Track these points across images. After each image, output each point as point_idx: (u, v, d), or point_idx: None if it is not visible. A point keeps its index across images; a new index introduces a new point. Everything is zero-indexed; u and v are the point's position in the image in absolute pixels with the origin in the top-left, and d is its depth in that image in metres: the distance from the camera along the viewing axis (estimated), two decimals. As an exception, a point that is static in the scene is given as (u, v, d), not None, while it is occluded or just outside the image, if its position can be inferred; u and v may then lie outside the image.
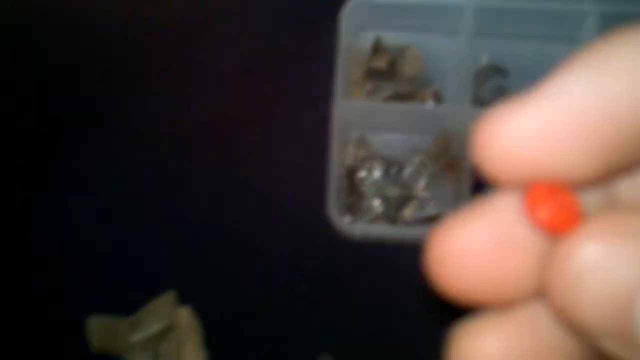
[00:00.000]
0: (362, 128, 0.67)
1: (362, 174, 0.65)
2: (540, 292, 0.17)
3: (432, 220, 0.63)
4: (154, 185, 0.69)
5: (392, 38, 0.69)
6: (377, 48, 0.69)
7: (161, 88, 0.72)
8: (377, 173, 0.65)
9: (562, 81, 0.16)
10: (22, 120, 0.72)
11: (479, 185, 0.61)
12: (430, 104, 0.66)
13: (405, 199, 0.63)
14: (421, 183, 0.64)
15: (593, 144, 0.16)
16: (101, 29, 0.74)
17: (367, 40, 0.69)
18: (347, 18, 0.65)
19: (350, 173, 0.65)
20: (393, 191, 0.64)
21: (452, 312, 0.56)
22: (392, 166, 0.65)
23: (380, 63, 0.68)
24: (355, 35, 0.69)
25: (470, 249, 0.18)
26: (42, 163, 0.71)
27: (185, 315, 0.65)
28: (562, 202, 0.17)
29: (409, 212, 0.63)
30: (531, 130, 0.17)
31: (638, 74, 0.15)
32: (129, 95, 0.72)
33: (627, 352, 0.15)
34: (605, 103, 0.16)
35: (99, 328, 0.65)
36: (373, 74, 0.67)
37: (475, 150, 0.18)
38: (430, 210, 0.63)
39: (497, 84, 0.67)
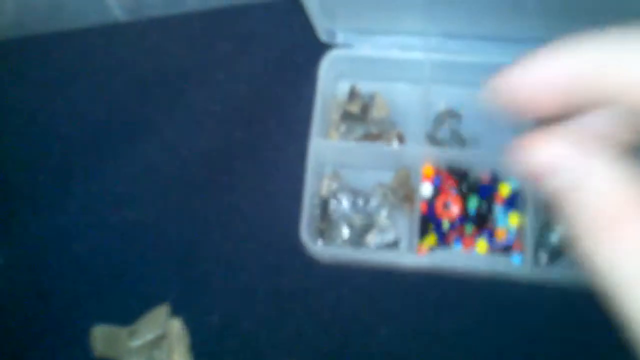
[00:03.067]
0: (335, 164, 0.76)
1: (333, 204, 0.73)
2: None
3: (391, 245, 0.71)
4: (154, 209, 0.78)
5: (364, 85, 0.79)
6: (352, 94, 0.78)
7: (165, 127, 0.82)
8: (346, 203, 0.73)
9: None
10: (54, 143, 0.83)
11: (428, 217, 0.70)
12: (394, 144, 0.74)
13: (368, 227, 0.72)
14: (383, 213, 0.72)
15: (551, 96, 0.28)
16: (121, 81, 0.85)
17: (343, 86, 0.79)
18: (325, 68, 0.75)
19: (324, 203, 0.73)
20: (359, 219, 0.72)
21: (406, 325, 0.65)
22: (359, 197, 0.73)
23: (355, 108, 0.77)
24: (332, 82, 0.78)
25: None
26: (62, 182, 0.81)
27: (176, 326, 0.74)
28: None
29: (371, 238, 0.71)
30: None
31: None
32: (140, 133, 0.82)
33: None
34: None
35: (102, 335, 0.74)
36: (348, 117, 0.77)
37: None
38: (390, 236, 0.72)
39: (451, 127, 0.75)
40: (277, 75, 0.82)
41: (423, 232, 0.69)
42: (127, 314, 0.74)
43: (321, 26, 0.75)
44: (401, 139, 0.75)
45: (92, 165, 0.81)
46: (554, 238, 0.69)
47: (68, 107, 0.84)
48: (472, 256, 0.69)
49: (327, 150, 0.74)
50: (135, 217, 0.78)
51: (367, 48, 0.76)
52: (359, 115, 0.77)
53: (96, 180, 0.80)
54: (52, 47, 0.86)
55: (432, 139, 0.74)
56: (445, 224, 0.70)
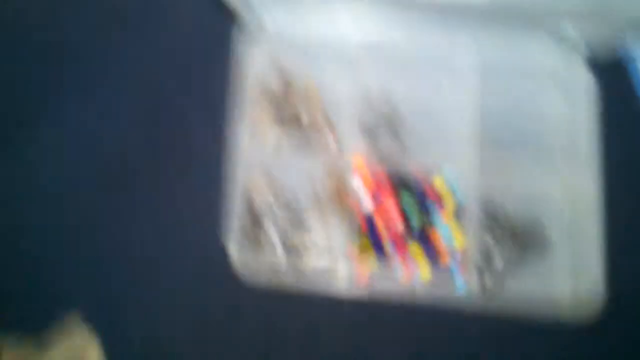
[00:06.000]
0: (265, 170, 0.69)
1: (265, 219, 0.67)
2: None
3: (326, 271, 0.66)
4: (57, 208, 0.69)
5: (294, 68, 0.70)
6: (277, 71, 0.70)
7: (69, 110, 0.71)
8: (278, 215, 0.67)
9: None
10: None
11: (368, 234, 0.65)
12: (329, 147, 0.68)
13: (301, 242, 0.67)
14: (318, 228, 0.67)
15: None
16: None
17: (274, 76, 0.70)
18: (250, 50, 0.66)
19: (254, 218, 0.67)
20: (293, 236, 0.67)
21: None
22: (292, 209, 0.67)
23: (278, 85, 0.69)
24: (259, 65, 0.68)
25: None
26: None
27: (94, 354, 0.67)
28: None
29: (306, 260, 0.66)
30: None
31: None
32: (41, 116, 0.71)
33: None
34: None
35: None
36: (272, 96, 0.69)
37: None
38: (324, 260, 0.66)
39: (385, 113, 0.69)
40: (196, 52, 0.72)
41: (361, 249, 0.65)
42: (34, 320, 0.67)
43: (247, 5, 0.65)
44: (337, 140, 0.68)
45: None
46: (499, 260, 0.66)
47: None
48: (413, 281, 0.65)
49: (256, 156, 0.67)
50: (48, 213, 0.69)
51: (296, 28, 0.68)
52: (282, 93, 0.69)
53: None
54: None
55: (365, 128, 0.68)
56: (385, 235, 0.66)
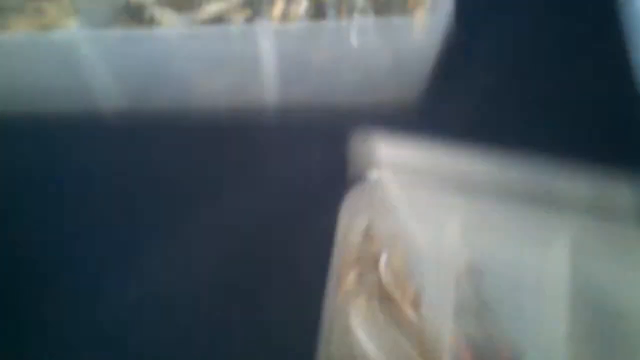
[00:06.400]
0: (352, 337, 0.67)
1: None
2: None
3: None
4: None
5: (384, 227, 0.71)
6: (367, 235, 0.71)
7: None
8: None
9: None
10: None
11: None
12: (420, 324, 0.66)
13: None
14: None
15: None
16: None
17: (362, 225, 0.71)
18: (345, 210, 0.68)
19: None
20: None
21: None
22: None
23: (368, 252, 0.70)
24: (352, 222, 0.70)
25: None
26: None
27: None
28: None
29: None
30: None
31: None
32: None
33: None
34: None
35: None
36: (360, 261, 0.69)
37: None
38: None
39: (473, 286, 0.68)
40: (296, 206, 0.75)
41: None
42: None
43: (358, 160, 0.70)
44: (418, 302, 0.68)
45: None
46: None
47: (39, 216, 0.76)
48: None
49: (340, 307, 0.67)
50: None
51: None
52: (372, 261, 0.70)
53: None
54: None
55: (455, 306, 0.67)
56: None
